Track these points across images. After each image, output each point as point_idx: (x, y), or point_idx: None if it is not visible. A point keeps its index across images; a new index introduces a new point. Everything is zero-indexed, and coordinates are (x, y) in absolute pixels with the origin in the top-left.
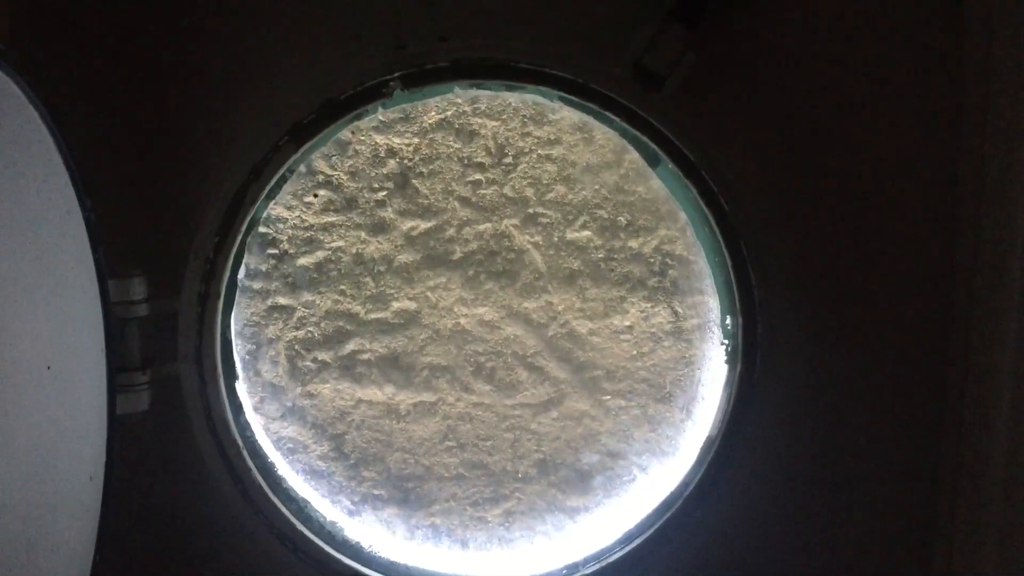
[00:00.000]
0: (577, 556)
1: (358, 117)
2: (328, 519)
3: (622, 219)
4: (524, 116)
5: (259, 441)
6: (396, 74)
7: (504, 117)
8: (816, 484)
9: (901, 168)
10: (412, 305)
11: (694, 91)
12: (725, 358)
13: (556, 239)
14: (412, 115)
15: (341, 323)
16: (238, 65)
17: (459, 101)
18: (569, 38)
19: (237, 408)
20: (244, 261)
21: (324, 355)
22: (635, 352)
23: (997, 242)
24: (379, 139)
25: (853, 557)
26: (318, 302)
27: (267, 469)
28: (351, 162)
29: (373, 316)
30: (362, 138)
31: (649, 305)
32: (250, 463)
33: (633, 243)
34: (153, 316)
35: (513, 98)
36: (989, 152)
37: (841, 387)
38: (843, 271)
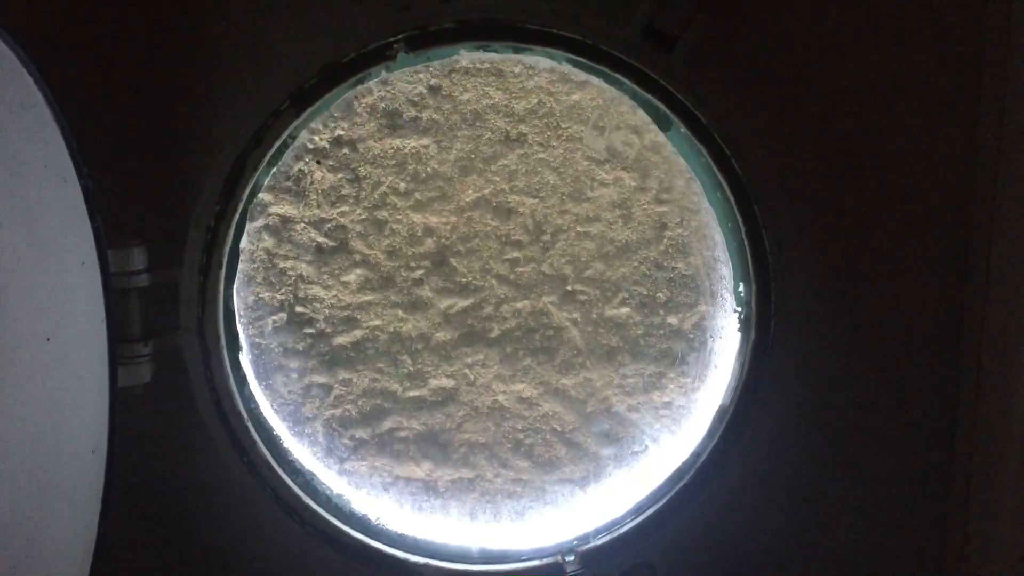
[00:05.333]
0: (587, 527)
1: (360, 81)
2: (335, 491)
3: (661, 295)
4: (562, 193)
5: (264, 413)
6: (399, 36)
7: (542, 194)
8: (831, 454)
9: (920, 134)
10: (450, 382)
11: (706, 52)
12: (738, 326)
13: (595, 316)
14: (449, 193)
15: (378, 401)
16: (237, 29)
17: (497, 179)
18: None
19: (241, 379)
20: (281, 340)
21: (362, 433)
22: (675, 427)
23: (1014, 212)
24: (416, 218)
25: (867, 526)
26: (355, 380)
27: (272, 441)
28: (388, 241)
29: (411, 394)
30: (399, 217)
31: (688, 380)
32: (255, 435)
33: (672, 319)
34: (154, 287)
35: (546, 155)
36: (1007, 125)
37: (857, 355)
38: (859, 237)
